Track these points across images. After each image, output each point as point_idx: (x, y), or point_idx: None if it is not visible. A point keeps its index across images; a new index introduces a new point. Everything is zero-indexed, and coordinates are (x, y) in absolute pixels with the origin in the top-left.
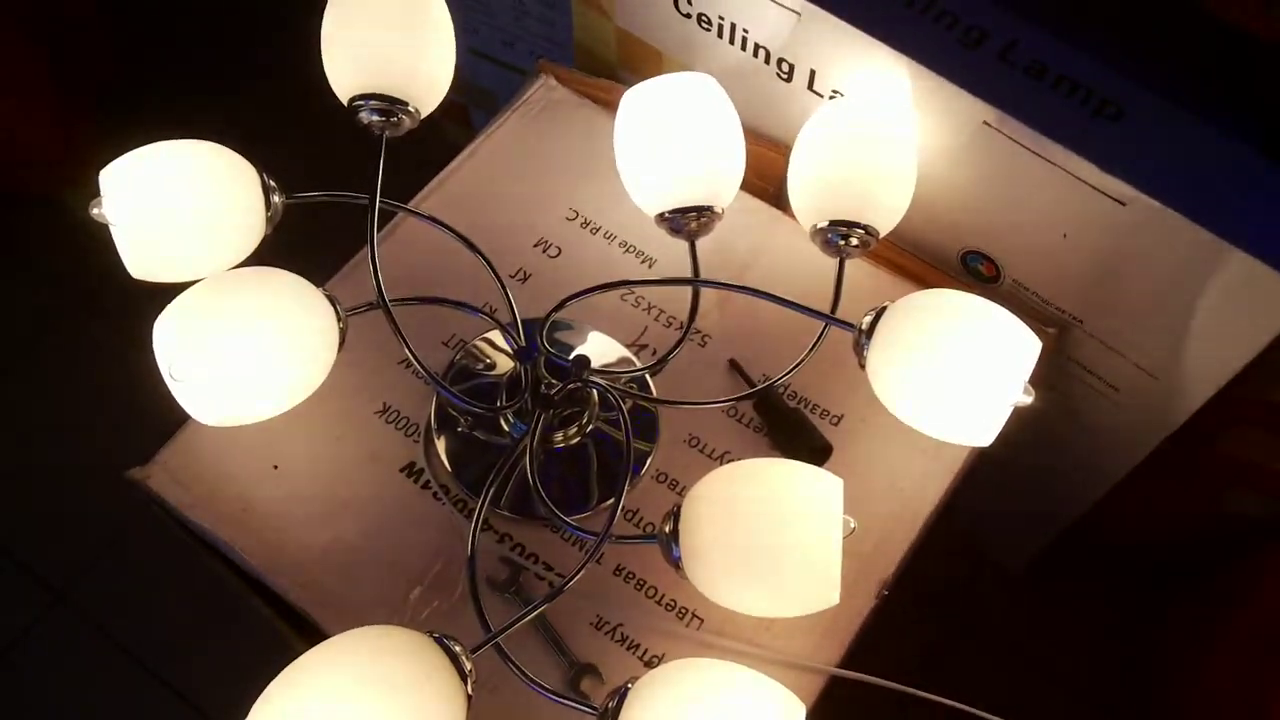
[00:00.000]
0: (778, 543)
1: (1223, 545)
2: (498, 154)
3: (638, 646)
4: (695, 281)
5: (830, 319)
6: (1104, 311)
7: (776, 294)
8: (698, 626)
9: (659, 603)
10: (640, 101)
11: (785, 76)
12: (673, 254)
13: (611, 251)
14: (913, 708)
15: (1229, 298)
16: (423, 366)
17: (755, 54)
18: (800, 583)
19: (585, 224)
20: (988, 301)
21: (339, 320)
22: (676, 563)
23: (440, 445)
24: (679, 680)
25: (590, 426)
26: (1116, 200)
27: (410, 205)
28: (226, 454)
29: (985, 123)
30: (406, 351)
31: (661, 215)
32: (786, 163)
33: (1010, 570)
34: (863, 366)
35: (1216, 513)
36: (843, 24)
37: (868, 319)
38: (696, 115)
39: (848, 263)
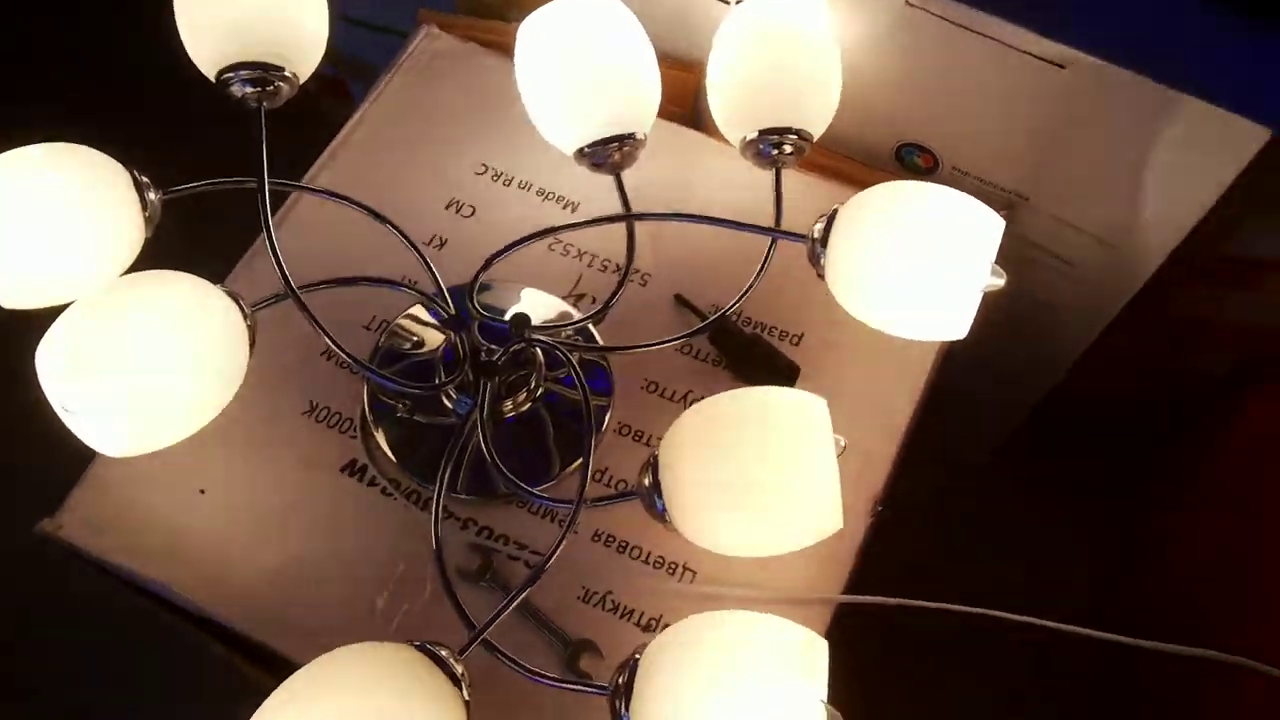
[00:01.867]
0: (772, 473)
1: (1189, 408)
2: (388, 116)
3: (632, 612)
4: (629, 216)
5: (778, 232)
6: (1052, 185)
7: (711, 217)
8: (691, 579)
9: (645, 562)
10: (540, 31)
11: None
12: (597, 193)
13: (530, 201)
14: (915, 618)
15: (1180, 150)
16: (347, 354)
17: None
18: (801, 511)
19: (497, 176)
20: (941, 186)
21: (246, 318)
22: (662, 516)
23: (380, 437)
24: (692, 641)
25: (540, 390)
26: (1055, 64)
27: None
28: (144, 486)
29: (908, 2)
30: (327, 341)
31: (581, 151)
32: (699, 81)
33: (974, 461)
34: (821, 276)
35: (1177, 372)
36: None
37: (819, 226)
38: (603, 37)
39: (784, 173)
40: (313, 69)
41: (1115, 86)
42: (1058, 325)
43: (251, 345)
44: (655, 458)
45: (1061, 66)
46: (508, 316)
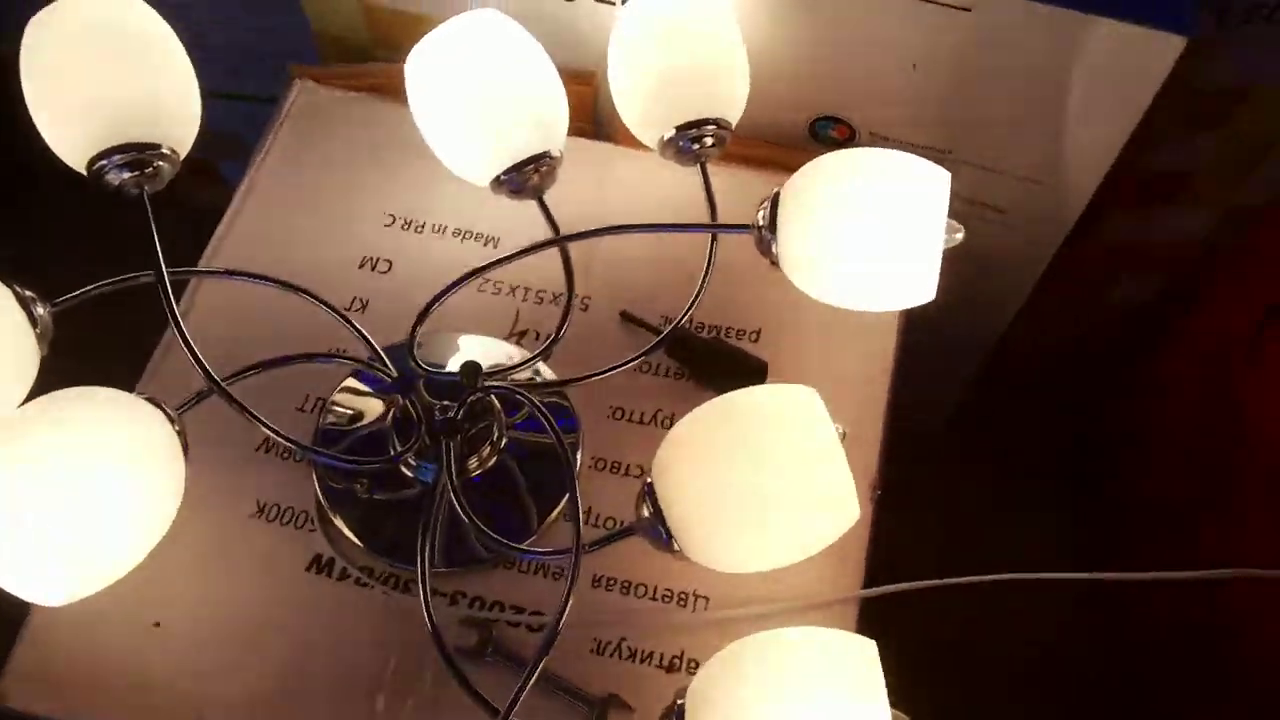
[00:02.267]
0: (781, 476)
1: (1127, 337)
2: (277, 181)
3: (651, 655)
4: (562, 239)
5: (719, 227)
6: (972, 135)
7: (647, 224)
8: (705, 607)
9: (653, 599)
10: (431, 59)
11: None
12: (517, 224)
13: (448, 244)
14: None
15: (1100, 74)
16: (291, 441)
17: None
18: (819, 509)
19: (408, 224)
20: (879, 150)
21: (174, 424)
22: (669, 545)
23: (341, 524)
24: (738, 674)
25: (503, 440)
26: (961, 8)
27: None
28: (92, 631)
29: None
30: (266, 431)
31: (497, 180)
32: (597, 91)
33: (931, 429)
34: (775, 263)
35: (1114, 305)
36: None
37: (763, 212)
38: (499, 55)
39: (708, 167)
40: (191, 142)
41: (1022, 20)
42: (996, 276)
43: (185, 453)
44: (649, 486)
45: (967, 10)
46: (455, 368)
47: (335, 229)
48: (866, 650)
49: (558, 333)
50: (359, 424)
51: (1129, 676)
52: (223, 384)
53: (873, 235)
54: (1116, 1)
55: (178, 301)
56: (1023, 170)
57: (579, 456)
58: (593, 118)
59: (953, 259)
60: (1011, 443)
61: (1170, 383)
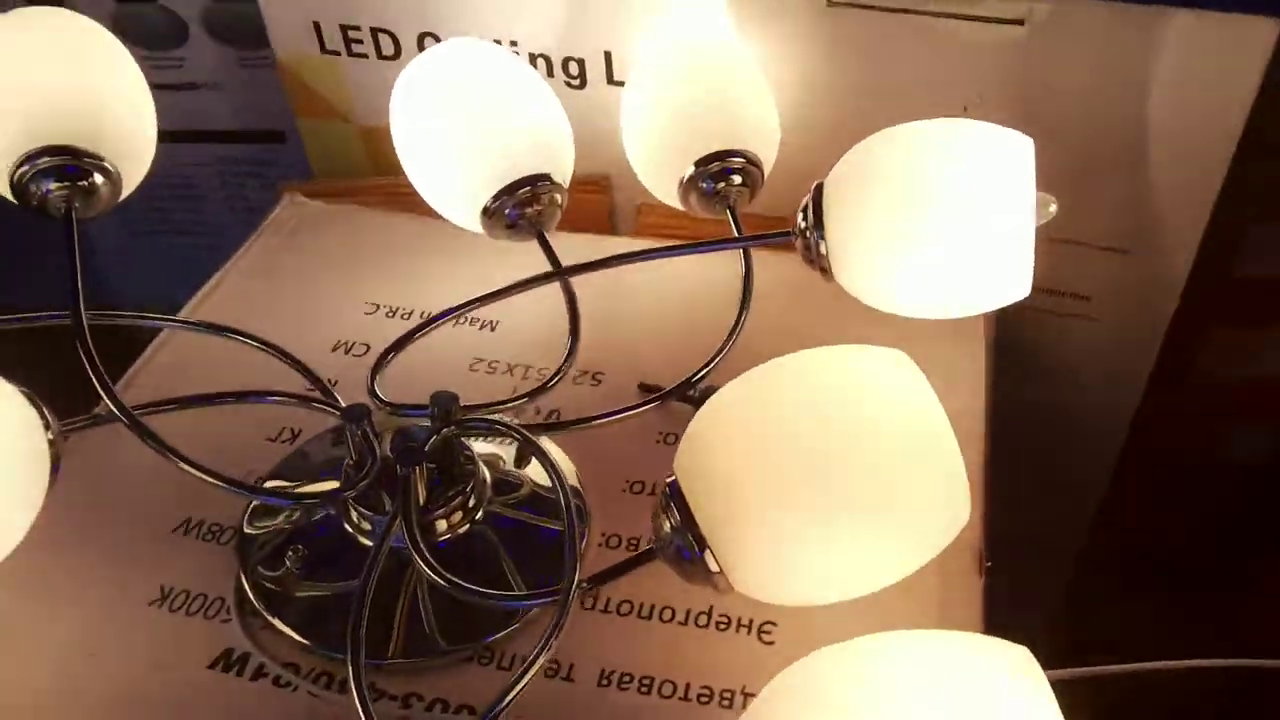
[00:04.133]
0: (876, 457)
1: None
2: (253, 274)
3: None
4: (561, 272)
5: (751, 239)
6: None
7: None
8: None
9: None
10: (416, 79)
11: (577, 81)
12: (517, 309)
13: (437, 330)
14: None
15: (1179, 86)
16: (219, 477)
17: (534, 66)
18: (924, 505)
19: (393, 312)
20: (943, 120)
21: (48, 430)
22: (703, 569)
23: (263, 606)
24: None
25: (480, 508)
26: (1014, 22)
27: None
28: None
29: (830, 1)
30: (184, 469)
31: (489, 212)
32: (612, 198)
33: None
34: (825, 270)
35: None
36: None
37: (805, 211)
38: (492, 74)
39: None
40: (143, 169)
41: (1085, 25)
42: (1089, 396)
43: (55, 470)
44: (672, 485)
45: (1020, 23)
46: (429, 396)
47: (311, 314)
48: (1022, 659)
49: (559, 371)
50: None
51: None
52: (133, 414)
53: (951, 222)
54: None
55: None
56: (1103, 235)
57: (586, 533)
58: (609, 224)
59: (1029, 382)
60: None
61: None
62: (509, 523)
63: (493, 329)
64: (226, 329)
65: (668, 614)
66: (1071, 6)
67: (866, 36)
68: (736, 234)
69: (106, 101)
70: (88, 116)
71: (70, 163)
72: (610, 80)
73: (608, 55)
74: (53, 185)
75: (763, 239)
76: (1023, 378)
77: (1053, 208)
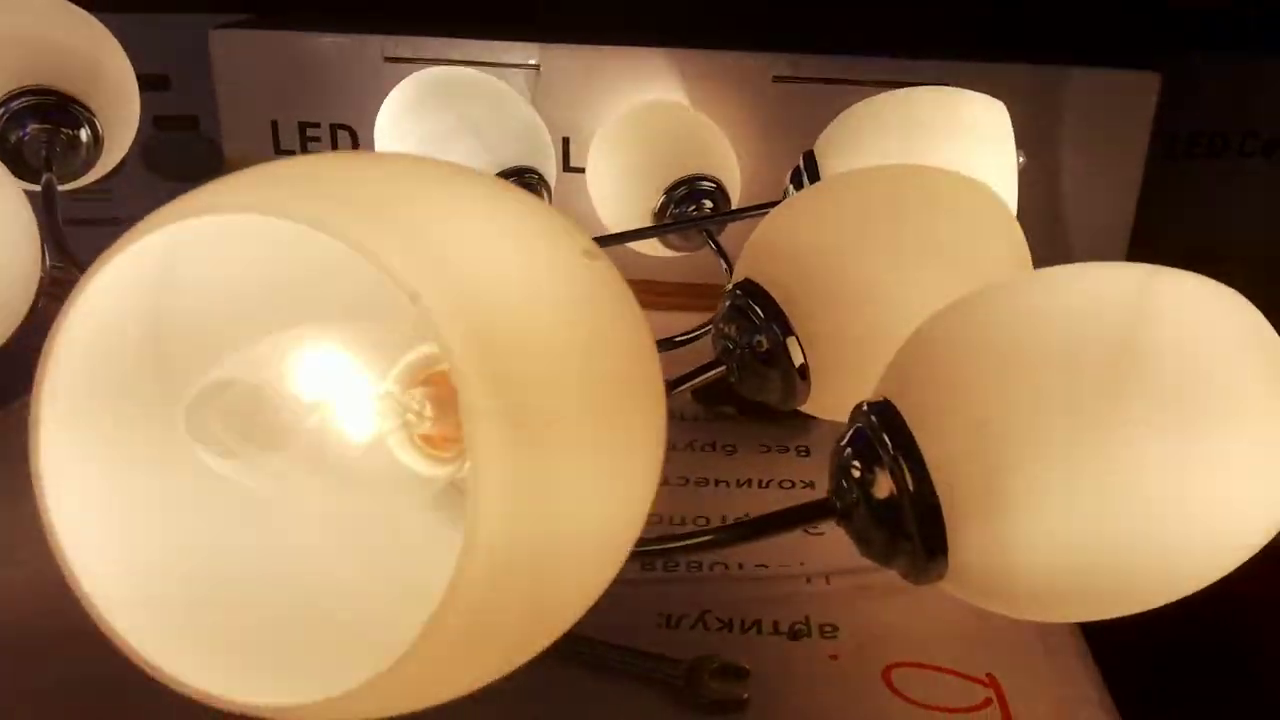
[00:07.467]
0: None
1: None
2: None
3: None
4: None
5: (741, 212)
6: None
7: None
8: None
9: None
10: (398, 103)
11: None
12: None
13: None
14: None
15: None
16: None
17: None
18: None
19: None
20: (923, 87)
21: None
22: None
23: None
24: None
25: None
26: (940, 84)
27: None
28: None
29: (775, 77)
30: None
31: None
32: None
33: None
34: None
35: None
36: (584, 48)
37: (792, 178)
38: (473, 91)
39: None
40: (130, 134)
41: (1005, 86)
42: None
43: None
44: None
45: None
46: None
47: None
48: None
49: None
50: None
51: None
52: None
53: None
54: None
55: None
56: None
57: None
58: None
59: None
60: None
61: None
62: None
63: None
64: None
65: None
66: (991, 69)
67: (810, 106)
68: (717, 251)
69: (100, 55)
70: (80, 65)
71: (54, 104)
72: (565, 167)
73: (565, 141)
74: (33, 128)
75: (747, 212)
76: None
77: (1021, 159)
